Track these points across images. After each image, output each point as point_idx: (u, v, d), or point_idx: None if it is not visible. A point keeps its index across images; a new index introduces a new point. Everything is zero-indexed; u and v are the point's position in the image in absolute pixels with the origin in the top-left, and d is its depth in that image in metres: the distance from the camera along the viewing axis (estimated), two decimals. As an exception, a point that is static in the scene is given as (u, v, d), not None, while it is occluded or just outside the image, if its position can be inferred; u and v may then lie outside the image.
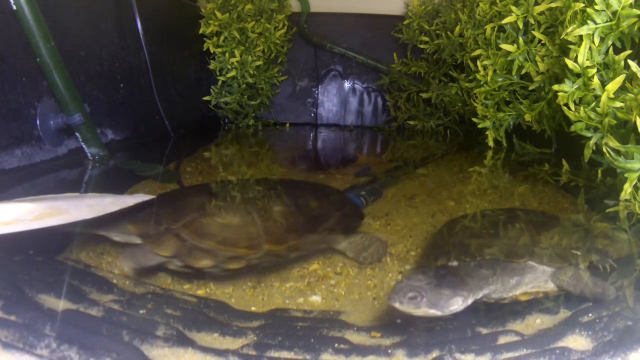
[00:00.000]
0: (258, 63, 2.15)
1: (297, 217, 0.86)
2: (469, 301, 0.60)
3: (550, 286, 0.70)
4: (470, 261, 0.69)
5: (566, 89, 1.05)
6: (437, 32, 2.10)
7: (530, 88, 1.46)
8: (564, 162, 1.36)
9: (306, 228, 0.85)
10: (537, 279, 0.70)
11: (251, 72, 2.15)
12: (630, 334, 0.51)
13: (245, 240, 0.76)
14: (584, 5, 1.00)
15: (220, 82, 2.20)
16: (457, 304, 0.57)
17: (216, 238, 0.75)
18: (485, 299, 0.67)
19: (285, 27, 2.25)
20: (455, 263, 0.69)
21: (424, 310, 0.56)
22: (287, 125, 2.50)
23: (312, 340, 0.58)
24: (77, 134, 1.34)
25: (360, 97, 2.52)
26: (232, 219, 0.80)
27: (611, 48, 0.98)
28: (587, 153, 1.05)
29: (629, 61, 0.91)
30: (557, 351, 0.51)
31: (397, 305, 0.56)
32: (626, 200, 0.92)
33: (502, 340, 0.56)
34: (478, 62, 1.60)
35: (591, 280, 0.66)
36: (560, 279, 0.68)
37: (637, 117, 0.86)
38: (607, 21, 0.97)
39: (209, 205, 0.89)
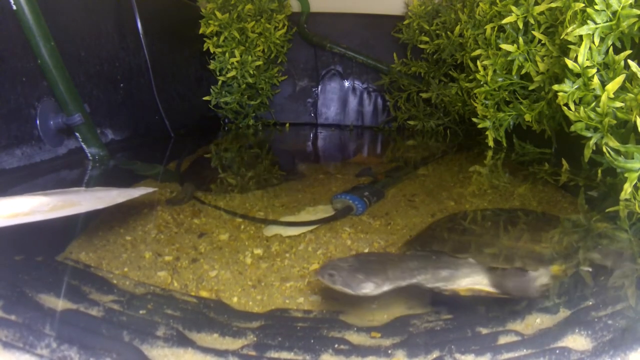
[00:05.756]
0: (258, 63, 2.15)
1: None
2: (384, 288, 0.63)
3: (488, 285, 0.69)
4: (418, 252, 0.75)
5: (566, 89, 1.05)
6: (437, 32, 2.10)
7: (530, 88, 1.46)
8: (564, 162, 1.36)
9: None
10: (474, 275, 0.69)
11: (251, 72, 2.15)
12: (630, 334, 0.51)
13: None
14: (584, 5, 1.00)
15: (220, 82, 2.20)
16: (369, 288, 0.62)
17: None
18: (420, 286, 0.69)
19: (285, 27, 2.26)
20: (408, 253, 0.77)
21: (339, 287, 0.62)
22: (287, 125, 2.50)
23: (312, 341, 0.58)
24: (77, 134, 1.34)
25: (360, 97, 2.52)
26: None
27: (611, 48, 0.98)
28: (587, 153, 1.05)
29: (629, 61, 0.91)
30: (557, 351, 0.51)
31: (319, 278, 0.64)
32: (626, 200, 0.92)
33: (502, 340, 0.56)
34: (478, 62, 1.60)
35: (518, 283, 0.65)
36: (493, 278, 0.68)
37: (637, 117, 0.86)
38: (607, 21, 0.97)
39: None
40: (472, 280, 0.69)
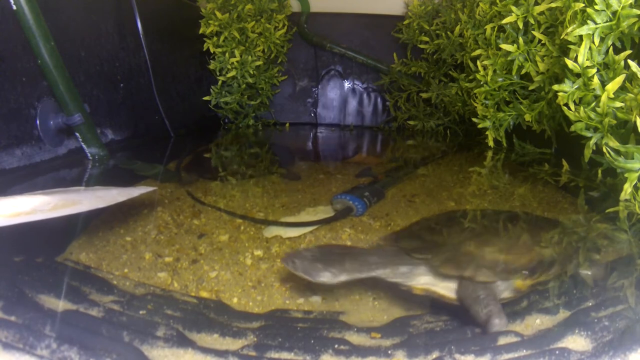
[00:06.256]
0: (258, 63, 2.15)
1: None
2: (341, 278, 0.67)
3: (443, 289, 0.69)
4: (383, 247, 0.79)
5: (566, 89, 1.05)
6: (437, 32, 2.10)
7: (530, 88, 1.46)
8: (564, 162, 1.36)
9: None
10: (430, 276, 0.70)
11: (251, 72, 2.15)
12: (630, 334, 0.51)
13: None
14: (584, 5, 1.00)
15: (220, 82, 2.20)
16: (327, 277, 0.66)
17: None
18: (381, 280, 0.71)
19: (285, 27, 2.26)
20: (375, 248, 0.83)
21: (300, 274, 0.67)
22: (287, 125, 2.50)
23: (312, 341, 0.58)
24: (77, 134, 1.34)
25: (360, 97, 2.52)
26: None
27: (611, 48, 0.98)
28: (587, 153, 1.05)
29: (629, 61, 0.91)
30: (557, 352, 0.51)
31: (284, 263, 0.69)
32: (626, 200, 0.92)
33: (502, 340, 0.56)
34: (478, 62, 1.60)
35: (481, 301, 0.63)
36: (446, 283, 0.69)
37: (637, 117, 0.86)
38: (607, 21, 0.97)
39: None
40: (428, 281, 0.70)
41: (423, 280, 0.70)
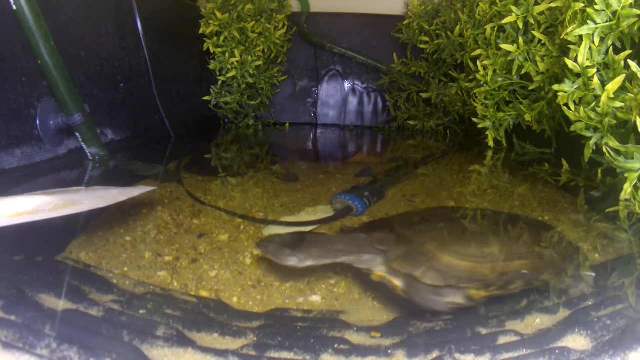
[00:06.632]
0: (258, 63, 2.15)
1: None
2: (307, 263, 0.72)
3: (398, 281, 0.72)
4: (353, 235, 0.84)
5: (566, 89, 1.05)
6: (437, 32, 2.10)
7: (530, 88, 1.46)
8: (564, 162, 1.36)
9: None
10: (386, 267, 0.73)
11: (251, 72, 2.15)
12: (630, 334, 0.51)
13: None
14: (584, 5, 1.00)
15: (220, 82, 2.20)
16: (293, 261, 0.72)
17: None
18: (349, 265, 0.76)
19: (285, 27, 2.26)
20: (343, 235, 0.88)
21: (270, 256, 0.73)
22: (287, 125, 2.50)
23: (312, 341, 0.58)
24: (77, 134, 1.34)
25: (360, 97, 2.52)
26: None
27: (611, 48, 0.98)
28: (587, 153, 1.05)
29: (629, 61, 0.91)
30: (557, 351, 0.51)
31: (258, 246, 0.76)
32: (626, 200, 0.92)
33: (502, 340, 0.56)
34: (478, 62, 1.60)
35: (413, 292, 0.66)
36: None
37: (637, 117, 0.86)
38: (607, 21, 0.97)
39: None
40: (386, 270, 0.73)
41: (382, 270, 0.72)
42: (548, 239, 0.84)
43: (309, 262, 0.72)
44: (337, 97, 2.54)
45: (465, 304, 0.68)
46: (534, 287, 0.68)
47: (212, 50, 2.15)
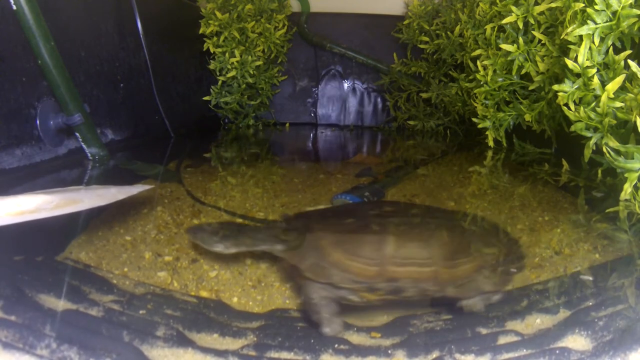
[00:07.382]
0: (258, 63, 2.15)
1: None
2: (232, 250, 0.77)
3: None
4: (279, 224, 0.87)
5: (566, 89, 1.05)
6: (437, 32, 2.10)
7: (530, 88, 1.46)
8: (564, 162, 1.36)
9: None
10: None
11: (251, 72, 2.15)
12: (630, 334, 0.51)
13: None
14: (584, 5, 1.00)
15: (220, 82, 2.20)
16: (220, 248, 0.76)
17: None
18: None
19: (285, 27, 2.26)
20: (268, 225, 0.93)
21: (198, 242, 0.78)
22: (287, 125, 2.50)
23: (312, 341, 0.58)
24: (77, 134, 1.34)
25: (360, 97, 2.52)
26: None
27: (611, 48, 0.98)
28: (587, 153, 1.05)
29: (629, 61, 0.91)
30: (557, 351, 0.51)
31: (187, 233, 0.82)
32: (626, 200, 0.92)
33: (502, 340, 0.56)
34: (478, 62, 1.60)
35: (313, 304, 0.64)
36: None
37: (637, 117, 0.86)
38: (607, 21, 0.97)
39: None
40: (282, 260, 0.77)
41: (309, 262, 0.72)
42: (467, 245, 0.75)
43: (233, 249, 0.77)
44: (337, 97, 2.54)
45: (361, 302, 0.67)
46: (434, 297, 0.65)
47: (212, 50, 2.15)
